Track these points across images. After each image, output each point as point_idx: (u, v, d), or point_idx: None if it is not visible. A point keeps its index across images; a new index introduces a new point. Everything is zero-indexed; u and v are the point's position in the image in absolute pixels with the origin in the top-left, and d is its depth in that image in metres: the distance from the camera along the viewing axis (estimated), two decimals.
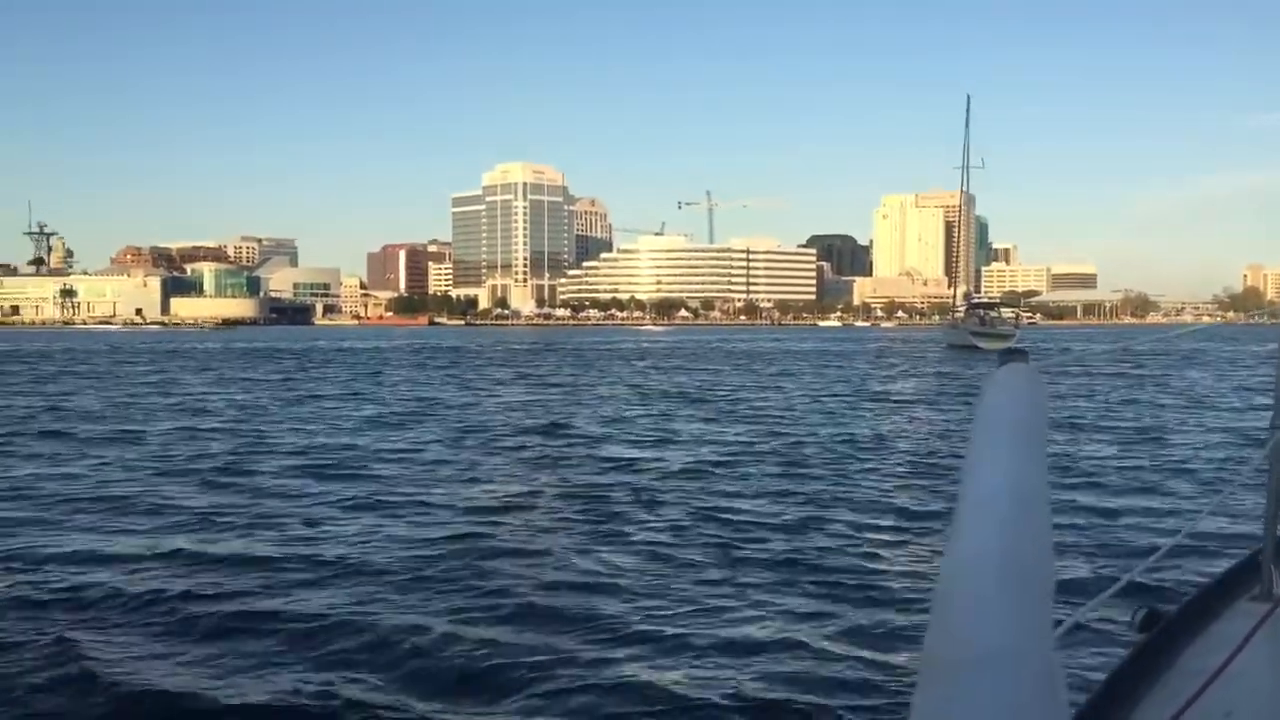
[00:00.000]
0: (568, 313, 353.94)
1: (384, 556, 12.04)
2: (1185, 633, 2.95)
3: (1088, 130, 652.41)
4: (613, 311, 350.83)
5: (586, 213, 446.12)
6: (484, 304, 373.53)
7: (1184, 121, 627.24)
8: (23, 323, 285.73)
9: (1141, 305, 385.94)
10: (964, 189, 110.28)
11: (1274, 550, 3.42)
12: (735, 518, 14.36)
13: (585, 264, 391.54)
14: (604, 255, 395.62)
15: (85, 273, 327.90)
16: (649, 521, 14.19)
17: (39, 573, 11.50)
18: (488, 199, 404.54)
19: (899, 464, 19.99)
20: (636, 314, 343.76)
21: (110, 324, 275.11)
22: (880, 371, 59.80)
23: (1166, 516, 14.52)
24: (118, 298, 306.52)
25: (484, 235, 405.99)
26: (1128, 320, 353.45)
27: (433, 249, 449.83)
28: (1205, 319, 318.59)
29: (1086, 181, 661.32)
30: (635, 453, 21.96)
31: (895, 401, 36.71)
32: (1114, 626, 7.80)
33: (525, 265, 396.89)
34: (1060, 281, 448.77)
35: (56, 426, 27.66)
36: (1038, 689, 1.11)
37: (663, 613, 9.84)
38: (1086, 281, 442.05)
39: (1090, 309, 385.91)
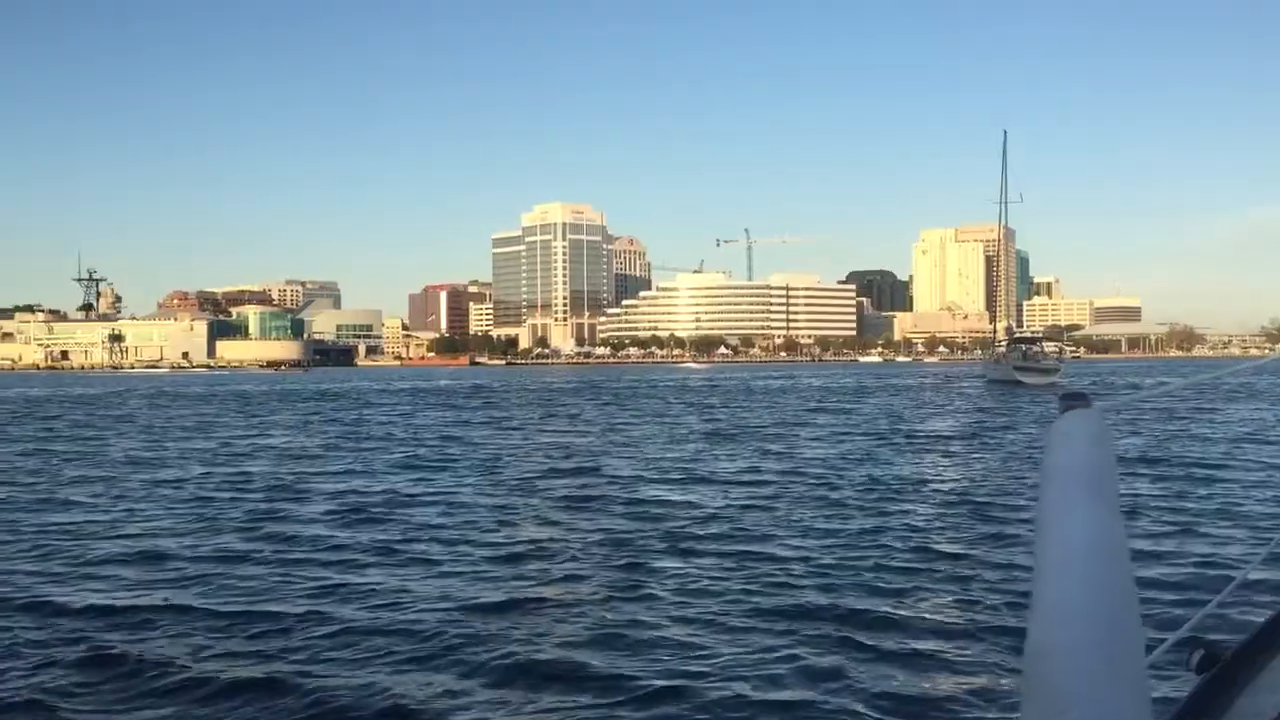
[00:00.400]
0: (608, 351, 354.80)
1: (410, 614, 11.71)
2: (1243, 674, 2.92)
3: (1130, 162, 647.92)
4: (652, 349, 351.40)
5: (625, 251, 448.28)
6: (524, 343, 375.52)
7: (1229, 153, 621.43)
8: (72, 367, 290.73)
9: (1187, 338, 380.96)
10: (1002, 223, 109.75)
11: None
12: (768, 566, 14.03)
13: (625, 302, 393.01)
14: (643, 293, 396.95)
15: (133, 318, 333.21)
16: (678, 570, 13.87)
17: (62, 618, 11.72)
18: (527, 239, 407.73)
19: (935, 506, 19.71)
20: (676, 351, 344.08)
21: (158, 368, 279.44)
22: (920, 408, 59.28)
23: (1224, 556, 14.33)
24: (165, 342, 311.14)
25: (524, 275, 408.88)
26: (1173, 353, 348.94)
27: (473, 289, 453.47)
28: (1253, 352, 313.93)
29: (1130, 214, 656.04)
30: (664, 493, 21.94)
31: (934, 438, 36.35)
32: (1170, 668, 7.74)
33: (565, 304, 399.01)
34: (1103, 315, 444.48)
35: (94, 472, 28.13)
36: None
37: (693, 669, 9.63)
38: (1130, 315, 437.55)
39: (1135, 342, 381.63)
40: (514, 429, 44.84)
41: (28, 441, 40.17)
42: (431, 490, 23.17)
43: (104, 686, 9.30)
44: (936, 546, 15.32)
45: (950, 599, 12.11)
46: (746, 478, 24.64)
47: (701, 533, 16.77)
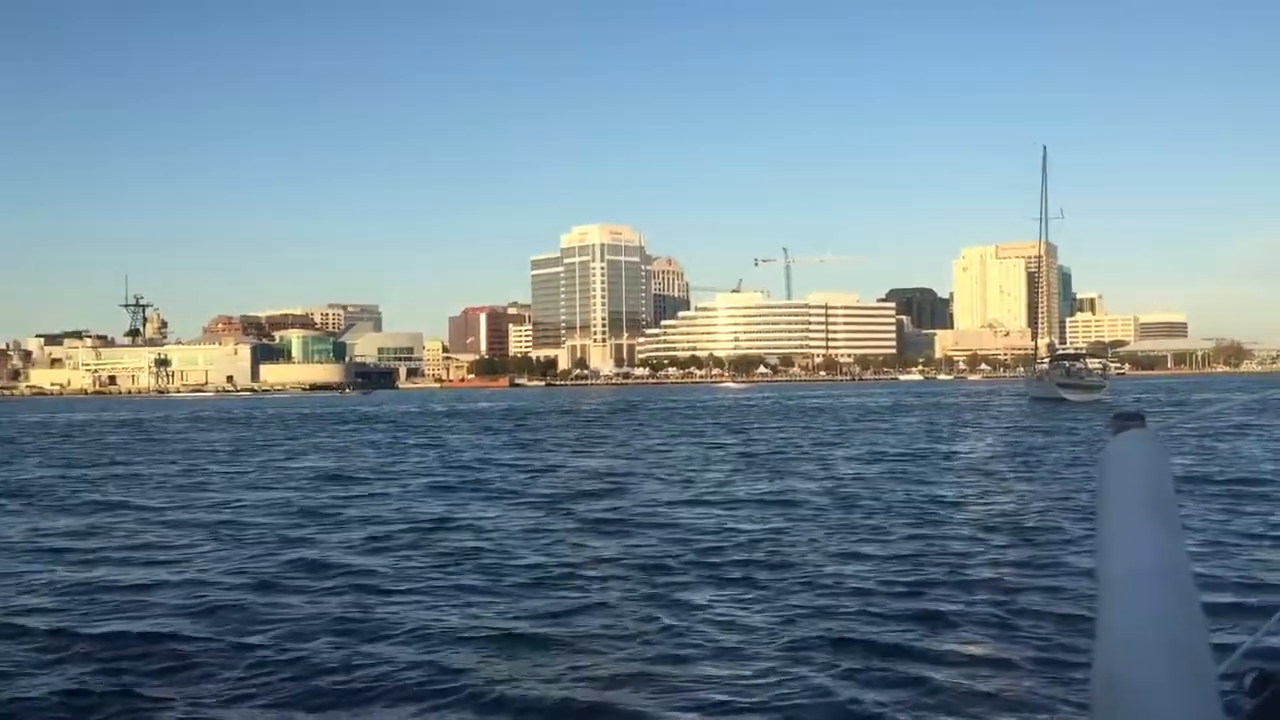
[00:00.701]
0: (647, 372, 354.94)
1: (430, 646, 11.53)
2: None
3: (1174, 176, 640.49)
4: (691, 370, 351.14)
5: (664, 272, 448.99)
6: (564, 364, 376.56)
7: (1277, 164, 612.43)
8: (120, 391, 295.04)
9: (1235, 354, 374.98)
10: (1043, 239, 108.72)
11: None
12: (802, 594, 13.70)
13: (663, 323, 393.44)
14: (682, 314, 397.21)
15: (179, 342, 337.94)
16: (708, 599, 13.54)
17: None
18: (566, 260, 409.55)
19: (977, 529, 19.25)
20: (715, 371, 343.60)
21: (203, 391, 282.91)
22: (960, 426, 58.53)
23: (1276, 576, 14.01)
24: (210, 365, 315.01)
25: (563, 296, 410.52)
26: (1220, 369, 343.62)
27: (513, 311, 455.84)
28: None
29: (1174, 229, 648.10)
30: (693, 517, 21.64)
31: (974, 458, 35.81)
32: (1225, 690, 7.52)
33: (604, 325, 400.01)
34: (1148, 331, 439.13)
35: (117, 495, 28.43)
36: None
37: (723, 702, 9.47)
38: (1176, 330, 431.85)
39: (1181, 358, 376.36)
40: (545, 451, 44.71)
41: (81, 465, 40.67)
42: (456, 514, 23.05)
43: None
44: (978, 572, 14.89)
45: (997, 629, 11.80)
46: (777, 499, 24.33)
47: (730, 558, 16.49)
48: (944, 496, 24.63)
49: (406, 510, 23.99)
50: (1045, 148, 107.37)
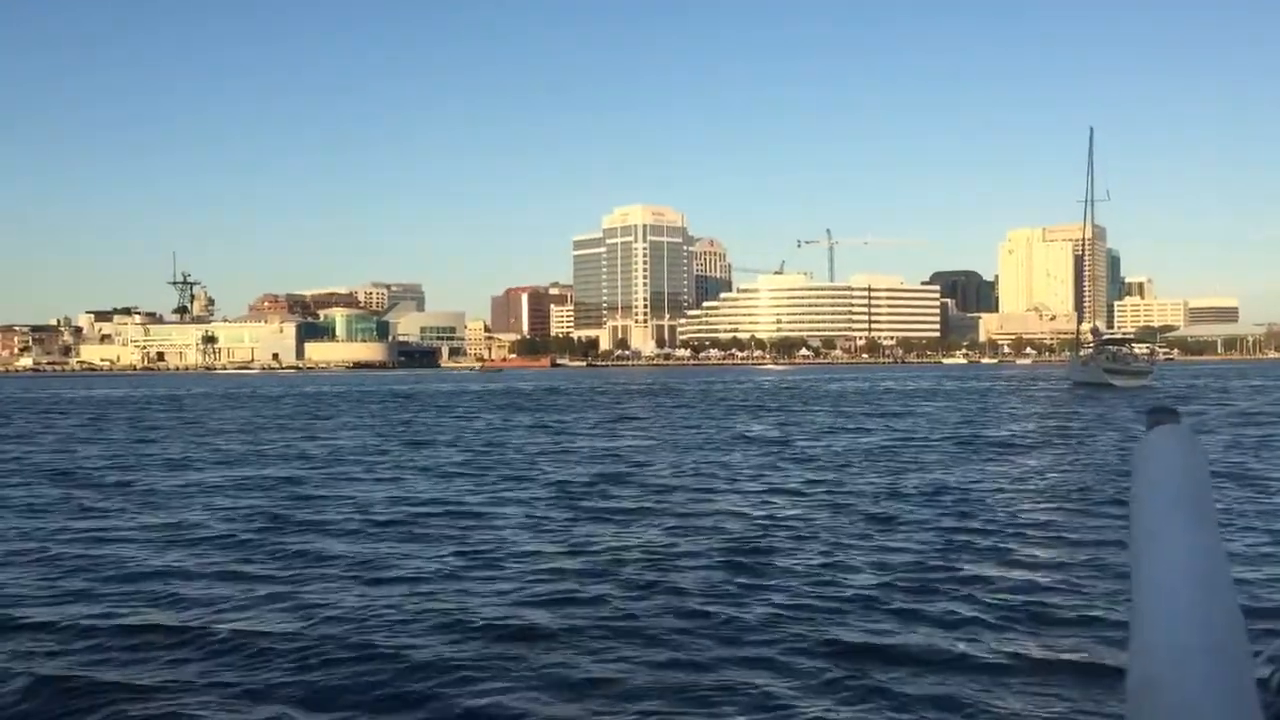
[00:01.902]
0: (688, 353, 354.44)
1: (429, 633, 11.24)
2: None
3: (1227, 159, 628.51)
4: (733, 351, 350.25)
5: (706, 253, 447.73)
6: (605, 345, 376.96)
7: None
8: (168, 368, 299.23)
9: None
10: (1088, 221, 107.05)
11: None
12: (809, 590, 13.03)
13: (705, 304, 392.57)
14: (724, 295, 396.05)
15: (225, 320, 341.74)
16: (707, 592, 13.01)
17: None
18: (608, 241, 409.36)
19: (1002, 520, 18.71)
20: (757, 353, 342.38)
21: (249, 368, 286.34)
22: (997, 412, 57.54)
23: None
24: (255, 343, 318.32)
25: (604, 277, 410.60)
26: (1272, 355, 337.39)
27: (554, 291, 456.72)
28: None
29: (1227, 212, 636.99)
30: (705, 504, 21.05)
31: (1008, 446, 35.05)
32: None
33: (645, 306, 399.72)
34: (1198, 315, 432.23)
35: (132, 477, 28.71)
36: None
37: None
38: (1227, 315, 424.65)
39: (1231, 344, 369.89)
40: (569, 432, 44.40)
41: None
42: (455, 497, 22.62)
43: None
44: (1000, 569, 14.47)
45: (1023, 627, 11.56)
46: (795, 488, 23.72)
47: (734, 548, 15.88)
48: (967, 486, 24.29)
49: (402, 493, 23.69)
50: (1092, 129, 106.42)
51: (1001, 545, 16.00)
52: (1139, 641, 1.19)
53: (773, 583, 13.45)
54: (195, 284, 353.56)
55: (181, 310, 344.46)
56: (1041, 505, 20.52)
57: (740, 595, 12.77)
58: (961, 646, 10.47)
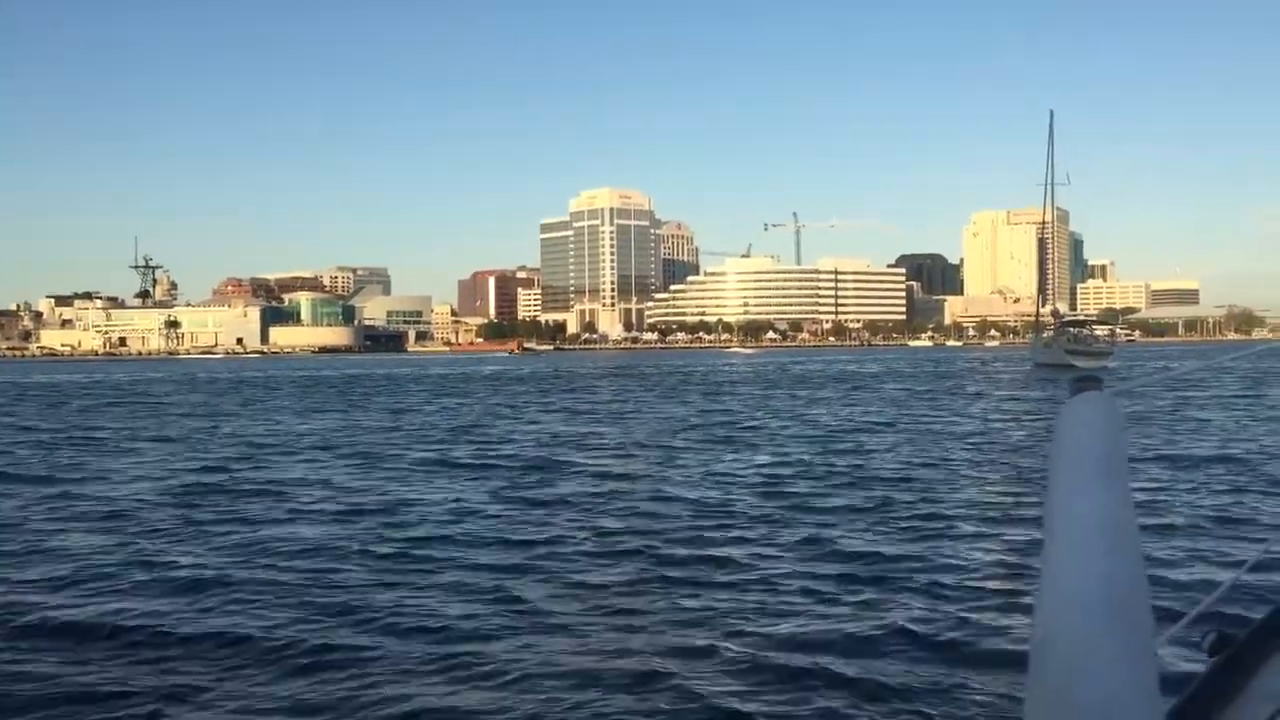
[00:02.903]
0: (655, 336, 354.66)
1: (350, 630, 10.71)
2: (1256, 656, 2.89)
3: (1189, 144, 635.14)
4: (700, 334, 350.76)
5: (673, 236, 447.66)
6: (572, 328, 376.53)
7: None
8: (130, 353, 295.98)
9: (1246, 321, 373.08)
10: (1047, 205, 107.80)
11: None
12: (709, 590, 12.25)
13: (672, 287, 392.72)
14: (691, 278, 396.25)
15: (189, 304, 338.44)
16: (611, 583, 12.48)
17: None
18: (575, 225, 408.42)
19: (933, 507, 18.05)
20: (724, 336, 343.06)
21: (213, 353, 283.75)
22: (954, 395, 57.83)
23: (1239, 539, 14.07)
24: (219, 328, 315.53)
25: (572, 260, 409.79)
26: (1232, 336, 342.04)
27: (521, 275, 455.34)
28: None
29: (1189, 196, 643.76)
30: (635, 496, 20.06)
31: (957, 428, 35.35)
32: (1184, 650, 7.60)
33: (613, 289, 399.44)
34: (1160, 298, 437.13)
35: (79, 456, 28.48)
36: None
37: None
38: (1188, 297, 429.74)
39: (1192, 325, 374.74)
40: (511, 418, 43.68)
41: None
42: (364, 486, 21.97)
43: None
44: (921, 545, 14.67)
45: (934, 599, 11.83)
46: (727, 474, 22.95)
47: (651, 540, 15.24)
48: (914, 469, 24.57)
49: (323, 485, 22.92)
50: (1052, 113, 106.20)
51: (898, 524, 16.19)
52: (1043, 596, 1.22)
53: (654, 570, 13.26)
54: (157, 268, 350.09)
55: (144, 295, 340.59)
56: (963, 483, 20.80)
57: (634, 582, 12.69)
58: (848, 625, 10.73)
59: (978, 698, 8.30)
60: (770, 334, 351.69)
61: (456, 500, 19.25)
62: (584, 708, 8.21)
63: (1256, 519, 15.67)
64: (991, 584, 11.85)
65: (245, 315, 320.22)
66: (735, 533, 15.43)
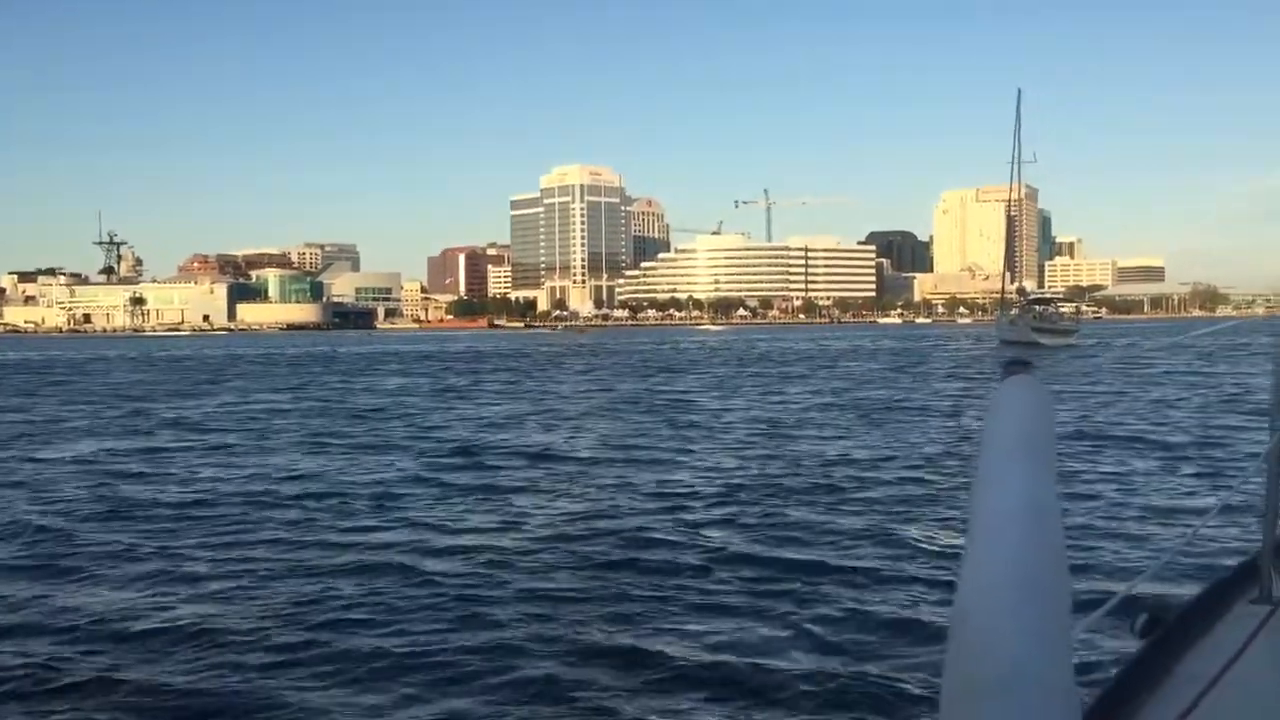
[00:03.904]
0: (626, 313, 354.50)
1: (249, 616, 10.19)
2: (1186, 637, 2.97)
3: (1157, 122, 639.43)
4: (671, 311, 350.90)
5: (644, 213, 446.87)
6: (543, 306, 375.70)
7: (1258, 111, 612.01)
8: (95, 330, 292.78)
9: (1211, 298, 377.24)
10: (1016, 183, 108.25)
11: (1273, 553, 3.42)
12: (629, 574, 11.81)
13: (643, 264, 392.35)
14: (662, 255, 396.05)
15: (154, 281, 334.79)
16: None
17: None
18: (545, 201, 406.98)
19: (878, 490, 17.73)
20: (695, 314, 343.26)
21: (179, 331, 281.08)
22: (914, 372, 57.96)
23: (1169, 521, 14.17)
24: (185, 305, 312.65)
25: (542, 237, 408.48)
26: (1196, 313, 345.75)
27: (492, 252, 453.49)
28: (1278, 312, 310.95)
29: (1156, 174, 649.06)
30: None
31: (914, 408, 34.72)
32: (1115, 633, 7.63)
33: (583, 266, 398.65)
34: (1126, 275, 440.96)
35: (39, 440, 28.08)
36: (1062, 707, 1.11)
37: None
38: (1153, 275, 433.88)
39: (1158, 303, 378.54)
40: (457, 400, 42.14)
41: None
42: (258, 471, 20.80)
43: None
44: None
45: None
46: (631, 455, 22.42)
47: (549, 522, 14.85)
48: (861, 453, 24.60)
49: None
50: (1020, 91, 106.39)
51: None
52: (963, 573, 1.25)
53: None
54: (122, 244, 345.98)
55: (108, 271, 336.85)
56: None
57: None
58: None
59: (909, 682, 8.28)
60: (741, 311, 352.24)
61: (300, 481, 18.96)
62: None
63: (1185, 502, 15.79)
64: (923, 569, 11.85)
65: (212, 292, 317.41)
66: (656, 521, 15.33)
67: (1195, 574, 10.37)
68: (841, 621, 9.75)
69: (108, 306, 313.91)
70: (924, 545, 12.77)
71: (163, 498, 17.37)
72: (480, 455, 22.56)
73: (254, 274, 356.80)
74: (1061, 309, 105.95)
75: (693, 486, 17.75)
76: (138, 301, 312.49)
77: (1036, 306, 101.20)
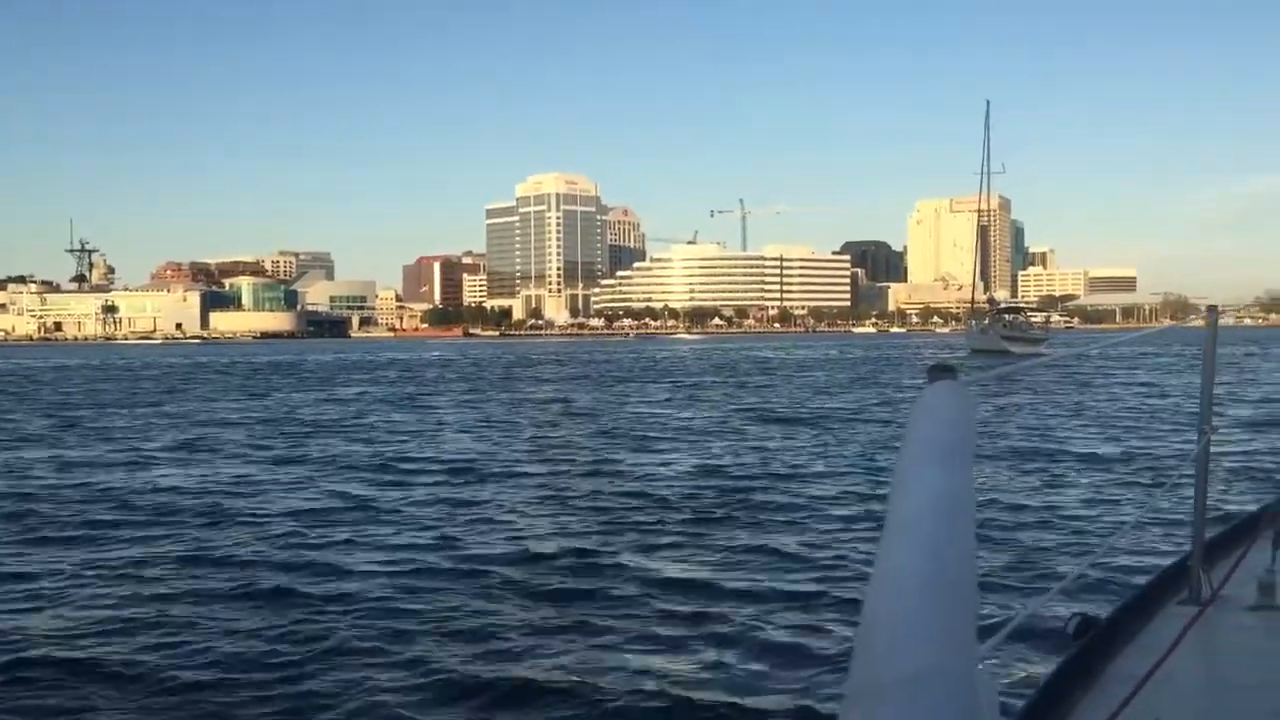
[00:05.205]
0: (602, 323, 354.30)
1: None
2: (1118, 638, 2.98)
3: (1129, 133, 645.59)
4: (646, 321, 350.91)
5: (619, 222, 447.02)
6: (518, 315, 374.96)
7: (1228, 122, 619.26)
8: (66, 338, 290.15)
9: (1181, 308, 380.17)
10: (985, 193, 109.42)
11: (1202, 554, 3.47)
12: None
13: (619, 273, 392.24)
14: (637, 264, 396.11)
15: (126, 288, 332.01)
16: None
17: None
18: (521, 210, 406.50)
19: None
20: (670, 323, 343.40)
21: (151, 339, 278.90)
22: (876, 382, 58.27)
23: (1099, 525, 14.45)
24: (158, 313, 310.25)
25: (518, 246, 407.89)
26: (1167, 323, 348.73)
27: (467, 260, 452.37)
28: (1247, 321, 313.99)
29: (1128, 184, 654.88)
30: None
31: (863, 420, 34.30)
32: (1050, 634, 7.84)
33: (559, 276, 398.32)
34: (1099, 285, 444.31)
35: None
36: (961, 706, 1.11)
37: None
38: (1125, 285, 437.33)
39: (1129, 312, 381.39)
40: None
41: None
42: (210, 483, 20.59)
43: None
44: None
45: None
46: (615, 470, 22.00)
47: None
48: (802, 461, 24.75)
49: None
50: (988, 102, 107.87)
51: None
52: (874, 573, 1.26)
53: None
54: (94, 251, 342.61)
55: (80, 279, 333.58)
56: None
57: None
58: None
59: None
60: (716, 320, 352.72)
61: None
62: None
63: (1116, 507, 16.05)
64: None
65: (185, 300, 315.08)
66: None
67: (1127, 577, 10.64)
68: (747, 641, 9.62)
69: (79, 314, 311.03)
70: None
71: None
72: (398, 469, 21.82)
73: (227, 282, 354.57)
74: (1032, 318, 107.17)
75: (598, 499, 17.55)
76: (109, 309, 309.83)
77: (1006, 316, 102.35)
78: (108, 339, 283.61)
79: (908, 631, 1.15)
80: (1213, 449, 3.53)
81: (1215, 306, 4.27)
